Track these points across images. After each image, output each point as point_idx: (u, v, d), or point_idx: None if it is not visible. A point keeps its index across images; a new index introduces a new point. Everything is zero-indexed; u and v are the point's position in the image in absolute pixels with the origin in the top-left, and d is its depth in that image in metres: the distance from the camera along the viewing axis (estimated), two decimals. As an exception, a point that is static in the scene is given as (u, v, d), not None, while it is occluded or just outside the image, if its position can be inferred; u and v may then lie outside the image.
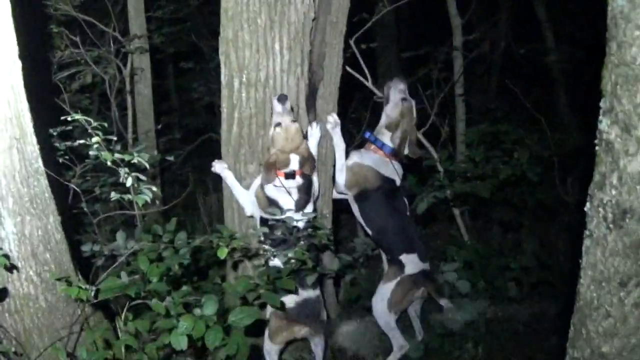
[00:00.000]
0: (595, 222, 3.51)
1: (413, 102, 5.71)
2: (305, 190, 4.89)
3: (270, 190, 4.81)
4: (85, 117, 4.21)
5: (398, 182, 5.69)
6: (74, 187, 4.37)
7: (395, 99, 5.65)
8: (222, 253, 4.19)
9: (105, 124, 4.30)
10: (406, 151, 5.69)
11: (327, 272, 5.30)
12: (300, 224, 4.79)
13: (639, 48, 3.15)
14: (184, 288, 4.11)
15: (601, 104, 3.36)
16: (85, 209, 4.32)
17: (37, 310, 4.50)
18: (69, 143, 4.69)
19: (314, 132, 5.22)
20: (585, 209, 3.52)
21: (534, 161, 5.68)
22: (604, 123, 3.36)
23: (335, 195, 5.72)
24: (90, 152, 4.33)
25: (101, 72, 8.07)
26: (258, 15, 4.74)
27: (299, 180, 4.81)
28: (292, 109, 4.83)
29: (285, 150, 4.75)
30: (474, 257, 5.92)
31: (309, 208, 4.92)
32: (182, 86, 10.01)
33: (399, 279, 5.49)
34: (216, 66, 5.13)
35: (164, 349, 4.35)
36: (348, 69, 6.14)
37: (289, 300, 4.91)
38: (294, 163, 4.79)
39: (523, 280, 5.92)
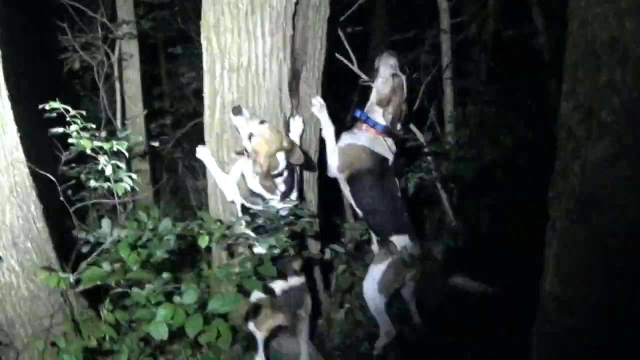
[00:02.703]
0: (558, 213, 3.44)
1: (404, 78, 5.63)
2: (290, 180, 4.84)
3: (255, 186, 4.75)
4: (63, 105, 4.17)
5: (391, 160, 5.65)
6: (49, 175, 4.33)
7: (386, 74, 5.59)
8: (203, 241, 4.17)
9: (84, 112, 4.25)
10: (398, 127, 5.67)
11: (313, 257, 5.25)
12: (283, 212, 4.71)
13: (600, 25, 3.08)
14: (165, 275, 4.07)
15: (562, 86, 3.29)
16: (61, 198, 4.29)
17: (19, 300, 4.50)
18: (55, 130, 4.61)
19: (297, 124, 5.18)
20: (548, 198, 3.46)
21: (521, 145, 5.63)
22: (564, 107, 3.29)
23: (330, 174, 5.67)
24: (69, 140, 4.29)
25: (89, 59, 8.02)
26: (239, -1, 4.70)
27: (284, 173, 4.76)
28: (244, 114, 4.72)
29: (272, 153, 4.63)
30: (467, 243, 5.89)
31: (294, 195, 4.88)
32: (171, 71, 9.98)
33: (390, 259, 5.45)
34: (201, 51, 5.09)
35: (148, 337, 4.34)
36: (338, 56, 6.13)
37: (274, 288, 4.89)
38: (282, 162, 4.70)
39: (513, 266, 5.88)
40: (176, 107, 9.70)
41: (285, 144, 4.68)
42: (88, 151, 4.28)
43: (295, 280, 4.98)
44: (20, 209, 4.46)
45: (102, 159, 4.25)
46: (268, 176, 4.63)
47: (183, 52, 8.90)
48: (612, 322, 3.52)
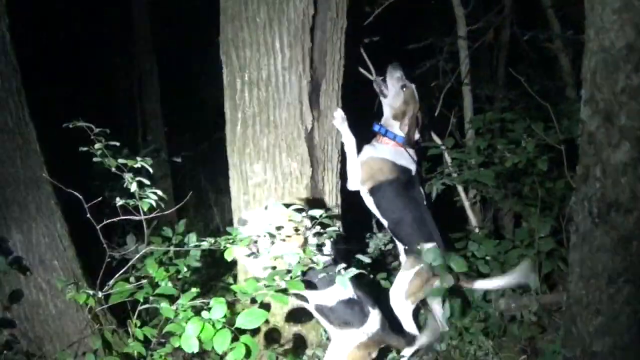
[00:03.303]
0: (581, 217, 3.47)
1: (413, 87, 5.66)
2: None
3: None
4: (87, 124, 4.21)
5: (414, 171, 5.66)
6: (76, 193, 4.37)
7: (395, 89, 5.63)
8: (229, 254, 4.18)
9: (108, 130, 4.28)
10: (417, 136, 5.71)
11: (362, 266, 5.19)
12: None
13: (617, 33, 3.11)
14: (193, 290, 4.09)
15: (582, 93, 3.33)
16: (88, 215, 4.32)
17: (47, 317, 4.57)
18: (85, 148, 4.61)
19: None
20: (571, 203, 3.49)
21: (541, 149, 5.62)
22: (585, 113, 3.33)
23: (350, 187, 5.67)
24: (95, 159, 4.32)
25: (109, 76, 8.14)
26: (257, 14, 4.74)
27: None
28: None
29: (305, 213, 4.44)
30: (493, 250, 5.85)
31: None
32: (191, 87, 10.04)
33: (417, 268, 5.44)
34: (221, 66, 5.13)
35: (174, 353, 4.35)
36: (361, 70, 6.16)
37: (372, 326, 4.76)
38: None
39: (540, 270, 5.85)
40: (197, 122, 9.75)
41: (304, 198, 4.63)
42: (113, 169, 4.32)
43: (378, 315, 4.82)
44: (47, 228, 4.53)
45: (127, 176, 4.28)
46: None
47: (202, 68, 8.95)
48: (635, 321, 3.53)
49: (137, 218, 4.49)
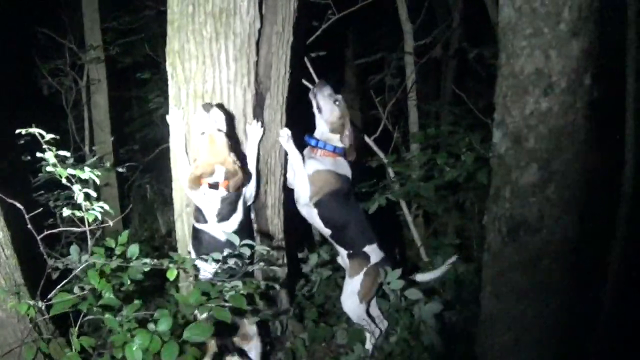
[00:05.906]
0: (492, 236, 3.60)
1: (341, 97, 5.76)
2: (230, 202, 4.76)
3: (196, 198, 4.73)
4: (39, 130, 4.20)
5: (350, 177, 5.79)
6: (15, 202, 4.35)
7: (329, 105, 5.72)
8: (172, 275, 4.19)
9: (57, 137, 4.28)
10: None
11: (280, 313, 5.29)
12: (220, 237, 4.71)
13: (526, 59, 3.26)
14: (136, 302, 4.10)
15: (494, 116, 3.45)
16: (29, 226, 4.31)
17: (-12, 327, 4.51)
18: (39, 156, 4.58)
19: (254, 130, 5.15)
20: (484, 222, 3.61)
21: (481, 164, 5.73)
22: (496, 135, 3.46)
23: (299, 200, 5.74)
24: (47, 169, 4.31)
25: (57, 85, 8.08)
26: (203, 26, 4.76)
27: (223, 191, 4.64)
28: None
29: (210, 162, 4.56)
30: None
31: (236, 218, 4.84)
32: (140, 97, 10.00)
33: (365, 269, 5.63)
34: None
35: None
36: (307, 84, 6.21)
37: None
38: (219, 174, 4.58)
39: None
40: (145, 133, 9.73)
41: (228, 162, 4.58)
42: (64, 180, 4.32)
43: None
44: (-12, 236, 4.51)
45: (76, 188, 4.28)
46: (197, 179, 4.59)
47: (151, 78, 8.93)
48: (544, 334, 3.66)
49: (79, 230, 4.49)
